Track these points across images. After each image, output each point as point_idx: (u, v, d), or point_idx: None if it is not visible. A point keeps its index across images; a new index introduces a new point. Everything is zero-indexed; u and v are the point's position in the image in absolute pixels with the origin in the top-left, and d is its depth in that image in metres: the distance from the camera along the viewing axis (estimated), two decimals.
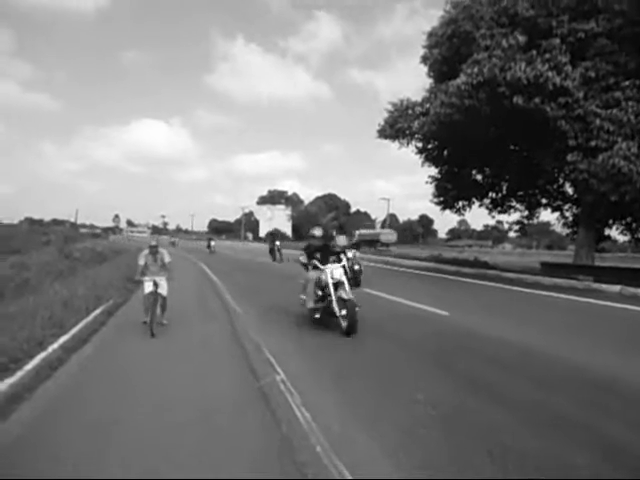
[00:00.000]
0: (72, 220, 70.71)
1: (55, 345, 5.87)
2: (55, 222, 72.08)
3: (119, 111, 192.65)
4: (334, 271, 7.32)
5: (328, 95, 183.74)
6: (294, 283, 9.63)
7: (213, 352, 6.27)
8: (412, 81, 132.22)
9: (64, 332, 6.52)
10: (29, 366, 5.00)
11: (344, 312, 6.95)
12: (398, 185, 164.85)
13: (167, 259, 7.61)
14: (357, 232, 60.73)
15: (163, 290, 7.36)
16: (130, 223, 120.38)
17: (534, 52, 14.74)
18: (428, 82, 20.62)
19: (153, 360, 5.87)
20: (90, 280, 12.17)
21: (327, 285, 7.28)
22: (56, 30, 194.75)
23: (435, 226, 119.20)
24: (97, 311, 8.45)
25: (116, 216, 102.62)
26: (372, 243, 52.24)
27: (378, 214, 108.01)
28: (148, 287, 7.23)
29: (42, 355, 5.41)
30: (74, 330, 6.78)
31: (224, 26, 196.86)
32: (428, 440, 3.53)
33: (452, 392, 4.62)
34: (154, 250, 7.53)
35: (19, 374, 4.74)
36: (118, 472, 3.07)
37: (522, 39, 14.92)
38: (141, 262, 7.46)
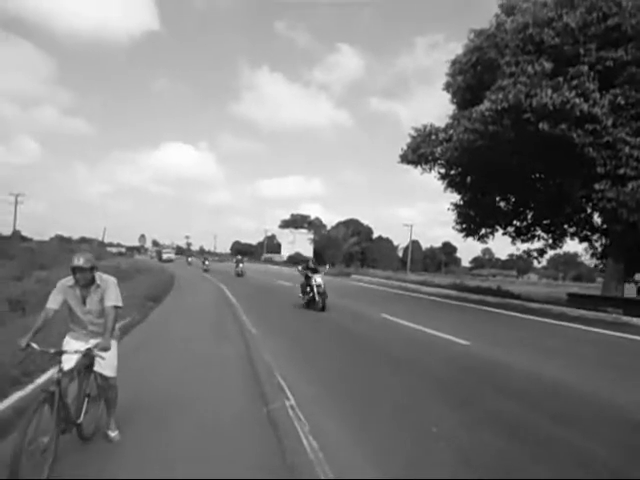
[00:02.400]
0: (100, 239, 72.14)
1: None
2: (83, 240, 73.48)
3: (148, 135, 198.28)
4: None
5: (350, 123, 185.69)
6: None
7: None
8: (433, 110, 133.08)
9: None
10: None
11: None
12: (420, 212, 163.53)
13: (113, 300, 3.50)
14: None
15: (105, 367, 3.50)
16: (155, 243, 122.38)
17: (560, 79, 14.55)
18: (451, 109, 20.62)
19: None
20: None
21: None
22: (93, 58, 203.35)
23: (458, 254, 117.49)
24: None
25: (142, 236, 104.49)
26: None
27: (400, 240, 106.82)
28: (65, 362, 3.18)
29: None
30: None
31: (250, 57, 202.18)
32: (437, 474, 3.32)
33: (467, 425, 4.37)
34: (85, 277, 3.41)
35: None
36: None
37: (548, 66, 14.78)
38: (51, 304, 3.42)
